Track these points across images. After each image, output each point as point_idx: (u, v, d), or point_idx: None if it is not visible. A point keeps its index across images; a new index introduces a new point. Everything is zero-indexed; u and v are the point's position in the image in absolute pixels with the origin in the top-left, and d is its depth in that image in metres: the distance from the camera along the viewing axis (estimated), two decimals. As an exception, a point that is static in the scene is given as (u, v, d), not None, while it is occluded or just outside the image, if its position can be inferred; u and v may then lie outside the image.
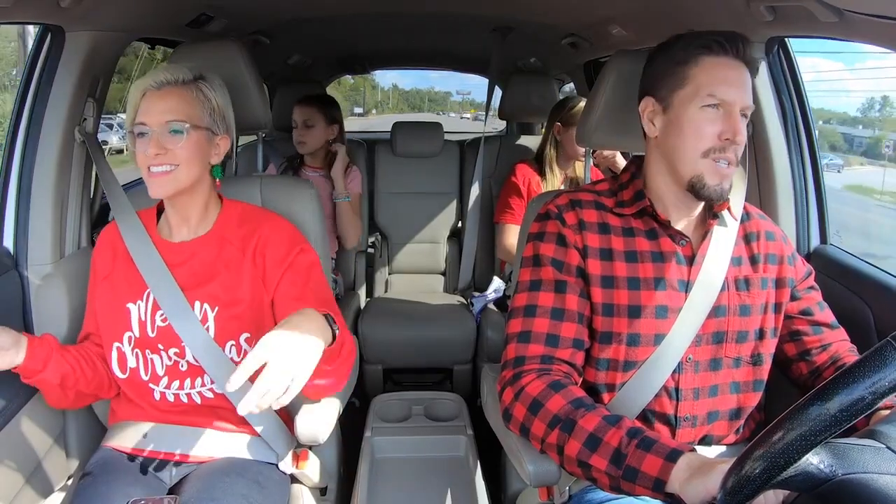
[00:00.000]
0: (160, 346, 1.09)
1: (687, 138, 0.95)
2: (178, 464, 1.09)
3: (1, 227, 1.27)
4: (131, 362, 1.10)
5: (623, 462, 0.83)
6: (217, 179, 1.15)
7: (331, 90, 3.87)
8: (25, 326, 1.25)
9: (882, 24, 0.91)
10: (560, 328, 0.97)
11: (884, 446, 0.62)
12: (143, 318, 1.10)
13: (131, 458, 1.09)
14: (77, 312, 1.21)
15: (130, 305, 1.10)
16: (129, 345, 1.10)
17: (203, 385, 1.09)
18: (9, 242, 1.27)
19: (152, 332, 1.09)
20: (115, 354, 1.10)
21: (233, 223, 1.15)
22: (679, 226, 1.02)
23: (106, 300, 1.13)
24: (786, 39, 1.29)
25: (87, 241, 1.39)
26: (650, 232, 1.02)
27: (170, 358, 1.09)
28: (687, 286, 1.00)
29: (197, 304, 1.09)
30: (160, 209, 1.18)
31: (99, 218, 1.52)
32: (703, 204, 1.03)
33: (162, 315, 1.09)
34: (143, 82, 1.07)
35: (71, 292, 1.26)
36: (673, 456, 0.80)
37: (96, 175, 1.43)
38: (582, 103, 2.09)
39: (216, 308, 1.08)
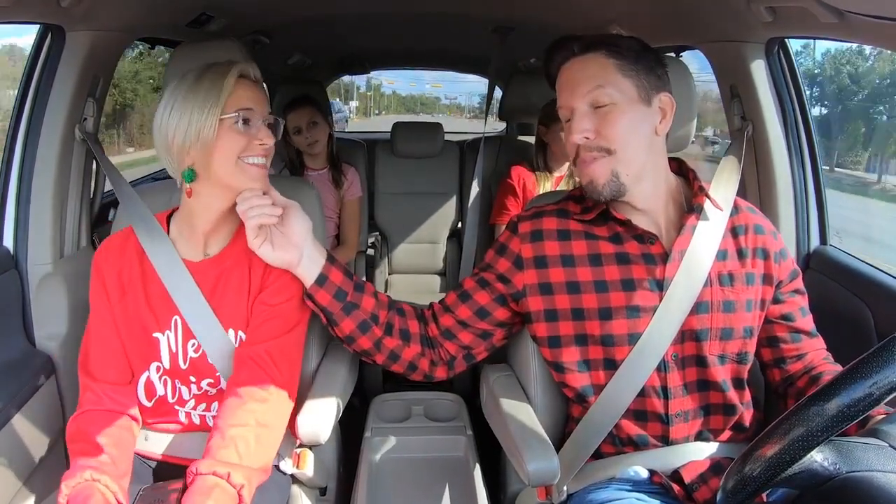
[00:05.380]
0: (192, 378, 1.03)
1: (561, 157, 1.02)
2: (176, 465, 1.08)
3: (1, 226, 1.27)
4: (159, 391, 1.04)
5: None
6: None
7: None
8: (25, 326, 1.25)
9: (882, 25, 0.91)
10: (459, 307, 1.07)
11: (887, 444, 0.62)
12: (173, 350, 1.02)
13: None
14: (77, 312, 1.21)
15: (158, 335, 1.01)
16: (158, 373, 1.03)
17: None
18: (9, 242, 1.27)
19: (184, 363, 1.02)
20: (142, 382, 1.03)
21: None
22: (643, 223, 1.00)
23: (125, 330, 1.02)
24: (786, 40, 1.30)
25: (87, 240, 1.39)
26: (614, 236, 1.01)
27: (199, 388, 1.03)
28: (662, 285, 0.98)
29: (231, 331, 1.01)
30: (168, 217, 1.07)
31: (99, 218, 1.52)
32: (668, 199, 1.02)
33: (194, 345, 1.02)
34: (235, 69, 0.97)
35: (71, 292, 1.26)
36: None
37: (96, 174, 1.43)
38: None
39: None
